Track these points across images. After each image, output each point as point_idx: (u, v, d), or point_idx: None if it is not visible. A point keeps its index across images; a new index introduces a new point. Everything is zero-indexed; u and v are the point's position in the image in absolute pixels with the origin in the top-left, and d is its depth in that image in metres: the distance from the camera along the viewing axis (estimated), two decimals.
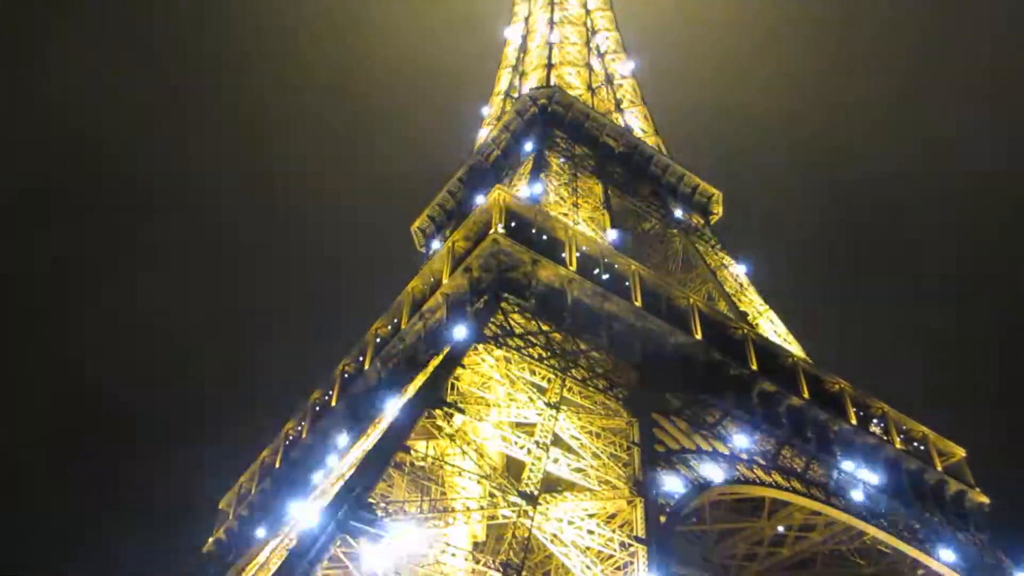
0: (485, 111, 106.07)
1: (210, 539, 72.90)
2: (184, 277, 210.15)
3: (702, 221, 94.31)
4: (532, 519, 39.49)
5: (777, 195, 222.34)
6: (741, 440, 58.76)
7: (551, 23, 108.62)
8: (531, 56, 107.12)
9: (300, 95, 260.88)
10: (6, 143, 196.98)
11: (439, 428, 43.05)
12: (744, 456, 57.54)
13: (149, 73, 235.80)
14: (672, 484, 48.79)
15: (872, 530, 61.60)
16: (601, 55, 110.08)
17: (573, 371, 51.84)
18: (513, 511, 39.73)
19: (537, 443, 44.35)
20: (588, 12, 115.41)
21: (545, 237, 59.30)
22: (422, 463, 46.28)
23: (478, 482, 42.75)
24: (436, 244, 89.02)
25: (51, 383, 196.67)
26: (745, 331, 67.02)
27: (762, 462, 58.40)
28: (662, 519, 45.04)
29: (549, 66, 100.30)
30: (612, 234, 73.28)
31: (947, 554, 63.01)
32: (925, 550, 62.18)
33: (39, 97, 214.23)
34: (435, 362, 51.15)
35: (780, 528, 68.67)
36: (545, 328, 54.29)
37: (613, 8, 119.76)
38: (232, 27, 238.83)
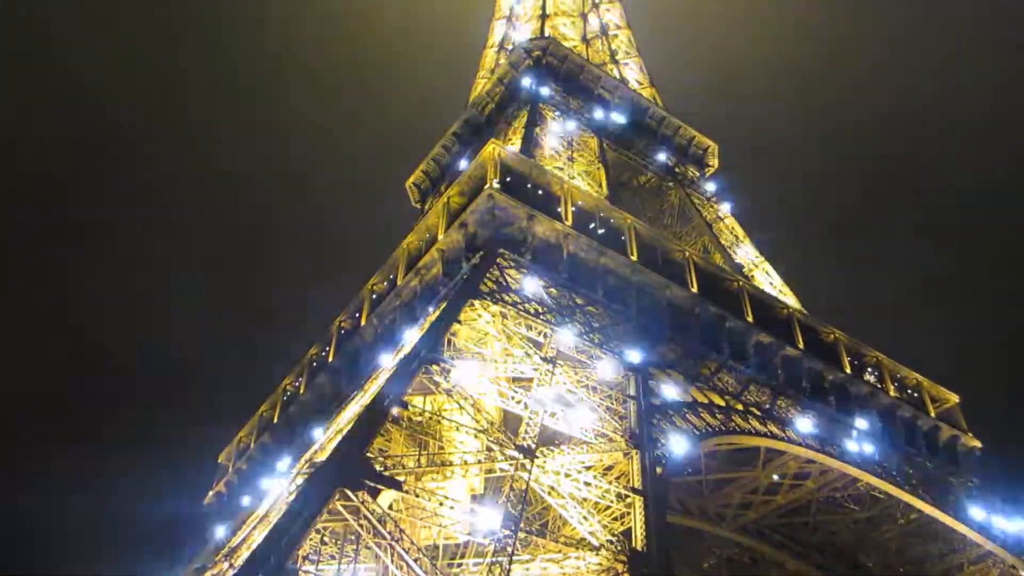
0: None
1: (210, 492, 73.79)
2: (184, 228, 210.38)
3: (698, 173, 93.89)
4: (530, 472, 39.90)
5: (773, 145, 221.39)
6: (737, 391, 59.28)
7: None
8: (525, 6, 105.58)
9: (299, 49, 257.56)
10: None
11: (436, 384, 43.29)
12: (739, 407, 58.09)
13: (146, 25, 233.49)
14: (668, 436, 49.28)
15: (866, 477, 62.54)
16: (596, 5, 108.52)
17: (569, 326, 51.99)
18: (511, 464, 40.10)
19: (534, 398, 44.64)
20: None
21: (540, 192, 59.04)
22: (419, 418, 46.64)
23: (475, 436, 43.18)
24: (432, 200, 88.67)
25: (49, 340, 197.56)
26: (740, 283, 67.17)
27: (757, 412, 59.02)
28: (658, 470, 45.53)
29: (543, 16, 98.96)
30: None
31: (940, 498, 64.10)
32: (918, 495, 63.17)
33: (44, 61, 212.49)
34: (431, 318, 51.29)
35: (775, 477, 69.43)
36: (541, 283, 54.33)
37: None
38: None
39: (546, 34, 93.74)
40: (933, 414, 72.38)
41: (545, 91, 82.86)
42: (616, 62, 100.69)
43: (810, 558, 72.94)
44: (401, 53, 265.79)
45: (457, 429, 44.80)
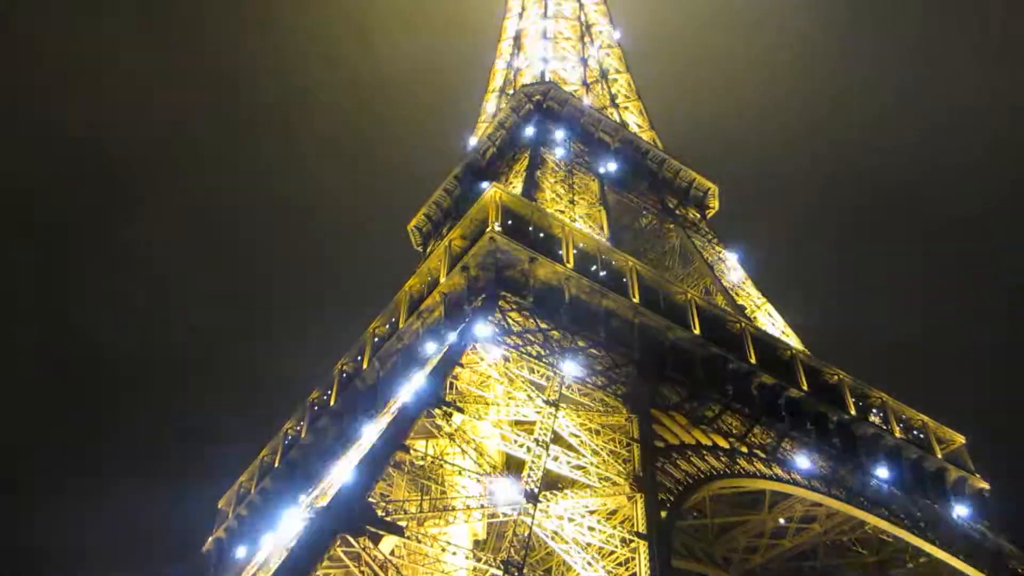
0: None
1: (210, 539, 72.97)
2: (184, 277, 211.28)
3: (699, 215, 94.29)
4: (533, 517, 39.51)
5: (774, 186, 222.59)
6: (741, 433, 58.86)
7: (545, 18, 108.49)
8: (525, 52, 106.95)
9: (303, 94, 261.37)
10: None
11: (438, 427, 43.06)
12: (744, 449, 57.62)
13: (155, 68, 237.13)
14: (672, 479, 48.84)
15: (873, 519, 61.81)
16: (596, 50, 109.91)
17: (571, 368, 51.78)
18: (513, 509, 39.74)
19: (537, 441, 44.36)
20: (582, 7, 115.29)
21: (542, 235, 59.28)
22: (422, 462, 46.31)
23: (478, 480, 42.79)
24: (434, 243, 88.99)
25: (50, 379, 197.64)
26: (743, 325, 67.07)
27: (762, 455, 58.50)
28: (663, 514, 45.07)
29: (544, 61, 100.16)
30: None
31: (948, 540, 63.28)
32: (927, 537, 62.37)
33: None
34: (433, 361, 51.16)
35: (781, 520, 68.81)
36: (543, 326, 54.29)
37: (607, 2, 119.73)
38: (237, 29, 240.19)
39: (547, 79, 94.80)
40: (940, 455, 71.74)
41: (546, 135, 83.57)
42: (616, 106, 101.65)
43: None
44: (403, 98, 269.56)
45: (460, 473, 44.38)
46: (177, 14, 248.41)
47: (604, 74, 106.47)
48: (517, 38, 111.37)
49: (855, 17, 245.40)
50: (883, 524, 61.89)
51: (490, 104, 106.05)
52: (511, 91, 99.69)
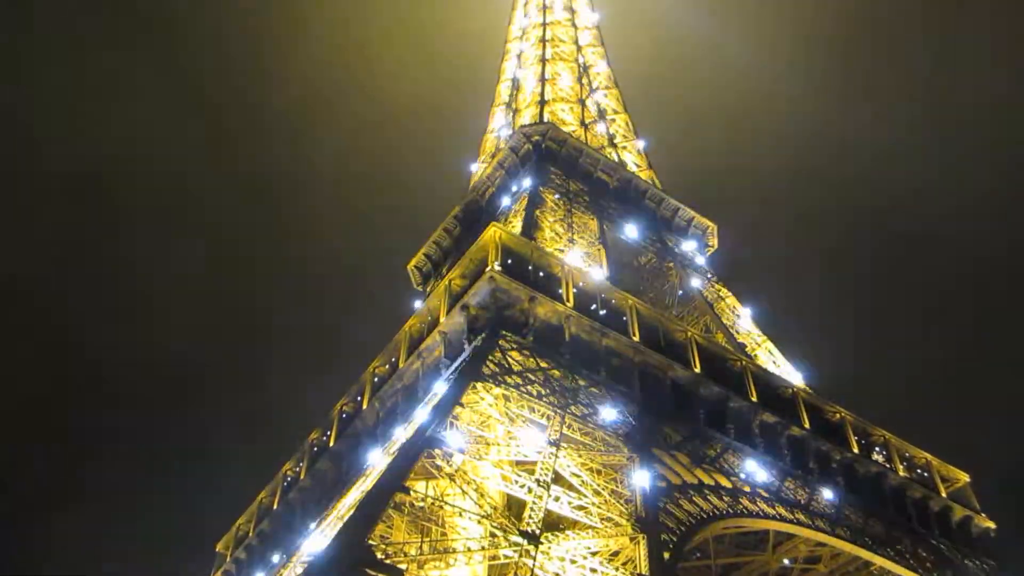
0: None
1: None
2: (187, 314, 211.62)
3: (698, 253, 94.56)
4: (534, 558, 39.07)
5: (775, 223, 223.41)
6: (743, 473, 58.47)
7: (543, 60, 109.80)
8: (524, 93, 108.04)
9: (306, 135, 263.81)
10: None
11: (438, 468, 42.77)
12: (747, 489, 57.18)
13: (161, 101, 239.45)
14: (675, 519, 48.39)
15: (878, 559, 61.22)
16: (594, 90, 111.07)
17: (572, 408, 51.59)
18: (515, 551, 39.32)
19: (538, 481, 44.02)
20: (579, 49, 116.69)
21: (542, 274, 59.39)
22: (422, 504, 45.88)
23: (479, 522, 42.37)
24: (433, 282, 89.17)
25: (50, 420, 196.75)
26: (744, 363, 66.90)
27: (765, 494, 58.05)
28: (665, 555, 44.57)
29: (542, 103, 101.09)
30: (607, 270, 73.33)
31: None
32: None
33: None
34: (434, 401, 50.96)
35: (786, 561, 68.05)
36: (544, 365, 54.17)
37: (604, 44, 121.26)
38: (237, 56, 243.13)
39: (545, 119, 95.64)
40: (944, 494, 71.19)
41: (545, 175, 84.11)
42: (614, 145, 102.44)
43: None
44: (401, 138, 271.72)
45: (460, 515, 43.95)
46: (179, 36, 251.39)
47: (602, 114, 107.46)
48: (516, 79, 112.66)
49: (859, 57, 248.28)
50: (888, 564, 61.23)
51: (489, 144, 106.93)
52: (510, 132, 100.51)
